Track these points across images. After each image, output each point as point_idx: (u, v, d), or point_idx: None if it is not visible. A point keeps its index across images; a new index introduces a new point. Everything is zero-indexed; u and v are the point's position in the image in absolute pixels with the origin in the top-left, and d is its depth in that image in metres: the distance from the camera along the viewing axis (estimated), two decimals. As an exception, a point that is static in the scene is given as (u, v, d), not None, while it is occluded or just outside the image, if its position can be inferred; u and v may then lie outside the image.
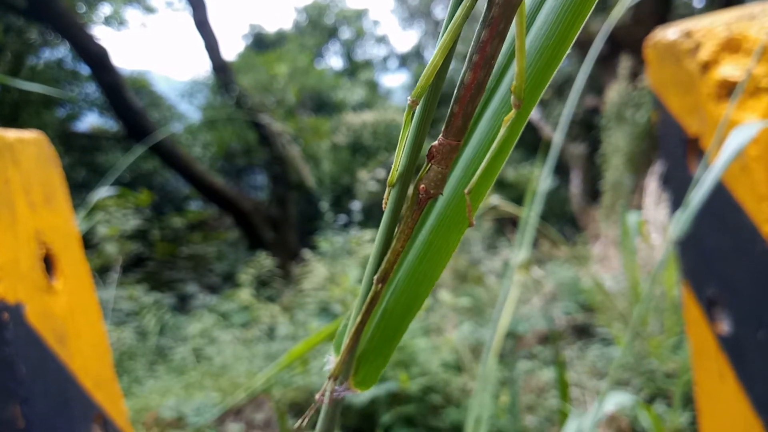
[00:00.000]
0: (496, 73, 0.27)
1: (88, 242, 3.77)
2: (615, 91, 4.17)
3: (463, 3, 0.24)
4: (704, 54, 0.95)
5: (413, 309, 0.30)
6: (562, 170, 7.13)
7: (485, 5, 0.23)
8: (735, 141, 0.74)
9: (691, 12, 9.48)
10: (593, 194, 5.59)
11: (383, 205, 0.28)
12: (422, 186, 0.26)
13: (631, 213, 1.70)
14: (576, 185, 6.18)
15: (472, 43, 0.24)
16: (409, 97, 0.25)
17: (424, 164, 0.27)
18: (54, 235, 0.92)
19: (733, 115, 0.90)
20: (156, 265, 5.32)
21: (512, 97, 0.24)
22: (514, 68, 0.24)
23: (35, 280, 0.83)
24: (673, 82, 1.05)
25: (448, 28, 0.24)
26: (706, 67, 0.95)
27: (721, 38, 0.93)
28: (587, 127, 6.67)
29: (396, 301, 0.30)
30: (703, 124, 0.99)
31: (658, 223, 2.87)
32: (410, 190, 0.28)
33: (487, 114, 0.27)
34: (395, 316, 0.30)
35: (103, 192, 1.97)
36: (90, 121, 7.30)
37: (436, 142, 0.26)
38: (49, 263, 0.90)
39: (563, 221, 7.14)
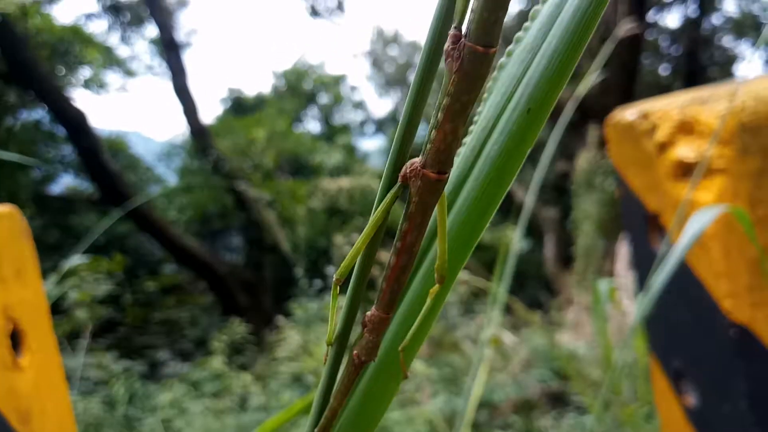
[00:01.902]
0: (422, 247, 0.30)
1: (58, 307, 3.70)
2: (584, 159, 4.29)
3: (386, 199, 0.27)
4: (660, 135, 0.99)
5: None
6: (536, 233, 7.22)
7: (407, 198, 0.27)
8: (695, 225, 0.77)
9: (657, 79, 9.87)
10: (567, 258, 5.66)
11: (323, 362, 0.31)
12: (356, 353, 0.29)
13: (601, 280, 1.73)
14: (550, 249, 6.25)
15: (398, 230, 0.27)
16: (334, 275, 0.28)
17: (360, 332, 0.30)
18: (23, 309, 0.92)
19: (689, 194, 0.93)
20: (127, 331, 5.22)
21: (436, 274, 0.27)
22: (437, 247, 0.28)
23: (1, 357, 0.82)
24: (633, 160, 1.09)
25: (371, 219, 0.27)
26: (663, 147, 0.99)
27: (676, 121, 0.98)
28: (560, 192, 6.81)
29: None
30: (662, 201, 1.03)
31: (629, 289, 2.91)
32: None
33: (417, 279, 0.30)
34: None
35: (75, 260, 1.96)
36: (65, 182, 7.26)
37: (369, 313, 0.29)
38: (16, 338, 0.89)
39: (538, 285, 7.18)
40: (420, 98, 0.25)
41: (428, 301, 0.28)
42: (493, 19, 0.21)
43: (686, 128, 0.96)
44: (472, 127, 0.28)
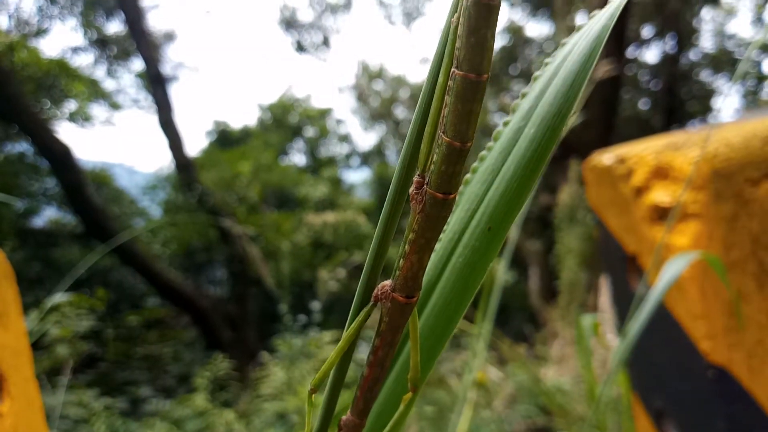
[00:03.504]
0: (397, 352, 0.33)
1: (39, 343, 3.64)
2: (566, 193, 4.34)
3: (358, 317, 0.29)
4: (637, 180, 1.02)
5: None
6: (521, 265, 7.25)
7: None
8: (670, 270, 0.79)
9: (637, 113, 10.04)
10: (551, 291, 5.68)
11: None
12: None
13: (585, 315, 1.74)
14: (534, 282, 6.28)
15: (371, 344, 0.29)
16: (309, 385, 0.29)
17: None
18: (3, 354, 0.91)
19: (665, 238, 0.96)
20: (109, 366, 5.14)
21: (409, 383, 0.30)
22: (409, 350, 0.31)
23: (-20, 405, 0.81)
24: (611, 203, 1.12)
25: (344, 334, 0.29)
26: (639, 192, 1.02)
27: (651, 166, 1.00)
28: (544, 225, 6.86)
29: None
30: (639, 243, 1.05)
31: (613, 324, 2.92)
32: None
33: (390, 379, 0.33)
34: None
35: (57, 297, 1.95)
36: (48, 214, 7.21)
37: (344, 417, 0.31)
38: (-4, 384, 0.88)
39: (523, 316, 7.19)
40: (388, 230, 0.28)
41: (401, 406, 0.31)
42: (451, 172, 0.23)
43: (661, 173, 0.98)
44: (441, 234, 0.31)
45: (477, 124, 0.22)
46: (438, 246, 0.31)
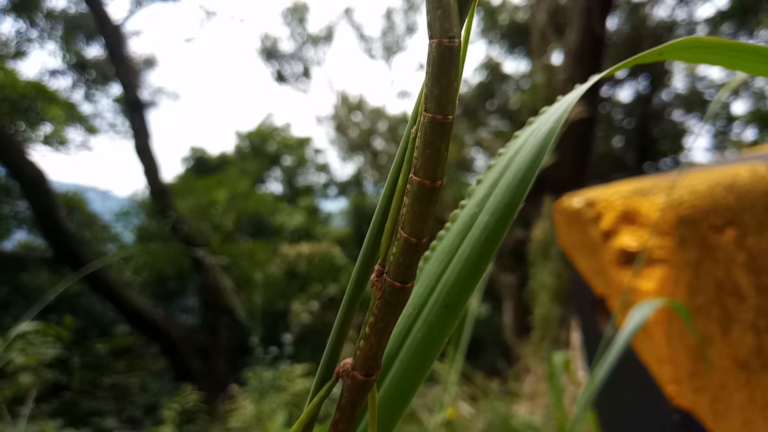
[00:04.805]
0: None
1: (1, 371, 3.54)
2: (539, 229, 4.38)
3: (320, 392, 0.30)
4: (605, 224, 1.04)
5: None
6: (495, 297, 7.27)
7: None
8: (637, 316, 0.81)
9: (611, 150, 10.23)
10: (524, 325, 5.69)
11: None
12: None
13: (557, 352, 1.75)
14: (508, 316, 6.29)
15: (331, 418, 0.30)
16: None
17: None
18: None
19: (632, 282, 0.97)
20: (74, 395, 5.02)
21: None
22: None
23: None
24: (580, 245, 1.14)
25: (306, 408, 0.30)
26: (608, 235, 1.03)
27: (619, 210, 1.02)
28: (518, 259, 6.89)
29: None
30: (608, 286, 1.07)
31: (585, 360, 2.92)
32: None
33: None
34: None
35: (23, 327, 1.90)
36: (18, 236, 7.08)
37: None
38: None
39: (497, 350, 7.18)
40: (348, 313, 0.30)
41: None
42: (408, 263, 0.25)
43: (629, 218, 1.00)
44: None
45: (432, 222, 0.24)
46: (398, 320, 0.33)
